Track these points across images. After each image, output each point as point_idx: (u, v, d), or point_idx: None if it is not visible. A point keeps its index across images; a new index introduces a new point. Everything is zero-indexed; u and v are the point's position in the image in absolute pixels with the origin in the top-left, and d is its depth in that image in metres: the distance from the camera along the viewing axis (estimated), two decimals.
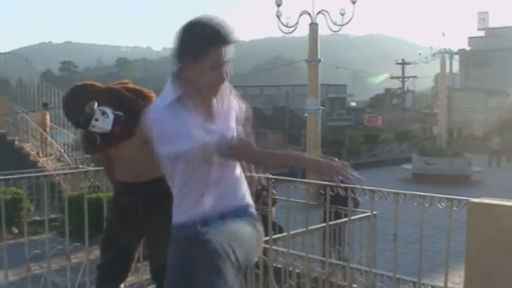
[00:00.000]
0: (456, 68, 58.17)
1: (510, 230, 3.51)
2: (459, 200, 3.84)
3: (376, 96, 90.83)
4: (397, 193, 4.25)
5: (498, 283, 3.58)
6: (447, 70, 47.85)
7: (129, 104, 4.10)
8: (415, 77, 69.78)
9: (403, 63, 66.04)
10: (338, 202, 7.51)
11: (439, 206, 3.95)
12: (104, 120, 3.99)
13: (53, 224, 10.41)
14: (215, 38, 2.80)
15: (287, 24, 23.62)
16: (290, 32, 24.20)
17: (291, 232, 6.11)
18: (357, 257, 7.38)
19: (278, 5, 22.42)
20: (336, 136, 53.99)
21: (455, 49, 51.43)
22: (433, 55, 40.61)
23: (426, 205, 4.04)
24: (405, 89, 70.93)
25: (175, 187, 3.09)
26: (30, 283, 5.51)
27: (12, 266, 5.54)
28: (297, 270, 6.10)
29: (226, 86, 2.97)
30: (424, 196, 4.07)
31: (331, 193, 4.90)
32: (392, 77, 70.44)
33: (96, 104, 3.94)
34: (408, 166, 33.34)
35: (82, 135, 4.27)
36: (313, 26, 23.54)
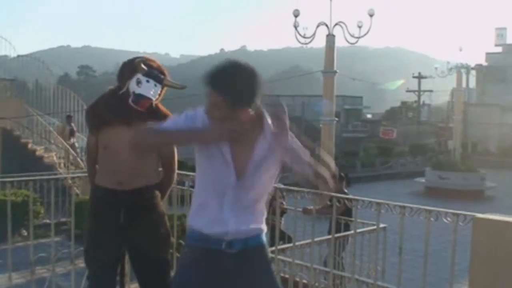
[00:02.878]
0: (472, 83, 57.97)
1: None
2: (465, 216, 3.81)
3: (392, 109, 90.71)
4: (404, 207, 4.23)
5: None
6: (464, 85, 47.65)
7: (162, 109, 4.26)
8: (431, 91, 69.64)
9: (420, 77, 65.94)
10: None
11: (445, 221, 3.93)
12: (154, 90, 4.13)
13: (63, 228, 10.40)
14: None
15: (304, 35, 23.61)
16: (307, 43, 24.16)
17: (298, 243, 6.10)
18: (366, 269, 7.35)
19: (296, 16, 22.40)
20: (350, 148, 53.93)
21: (472, 64, 51.23)
22: (450, 69, 40.47)
23: (432, 219, 4.01)
24: (421, 102, 70.80)
25: None
26: (34, 286, 5.50)
27: (19, 268, 5.56)
28: (304, 281, 6.02)
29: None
30: (430, 211, 4.05)
31: (338, 204, 4.87)
32: (408, 91, 70.33)
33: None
34: (422, 180, 33.23)
35: (110, 99, 4.28)
36: (330, 38, 23.51)
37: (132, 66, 4.12)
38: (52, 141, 22.54)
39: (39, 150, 21.90)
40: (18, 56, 27.03)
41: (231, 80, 2.95)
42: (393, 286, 5.36)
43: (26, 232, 12.39)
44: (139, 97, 4.07)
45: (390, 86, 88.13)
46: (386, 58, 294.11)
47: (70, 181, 14.27)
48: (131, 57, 4.35)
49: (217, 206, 3.09)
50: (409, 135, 63.24)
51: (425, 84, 67.96)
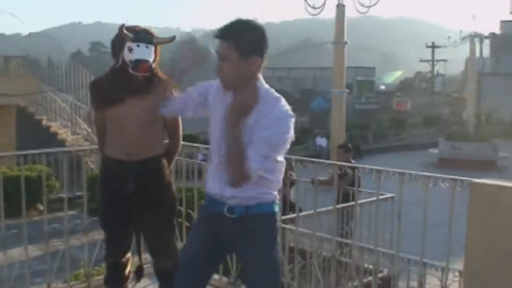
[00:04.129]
0: (486, 52, 57.42)
1: (509, 210, 3.59)
2: (462, 181, 3.92)
3: (406, 80, 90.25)
4: (402, 173, 4.35)
5: (497, 260, 3.68)
6: (477, 54, 47.33)
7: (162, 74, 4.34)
8: (445, 60, 69.10)
9: (433, 47, 65.45)
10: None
11: (443, 186, 4.04)
12: (147, 51, 4.24)
13: (78, 202, 10.57)
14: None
15: (314, 5, 23.48)
16: (317, 14, 24.06)
17: (304, 213, 6.20)
18: (373, 239, 7.46)
19: None
20: (363, 120, 53.84)
21: (486, 32, 50.71)
22: (463, 39, 40.20)
23: (430, 185, 4.13)
24: (435, 73, 70.33)
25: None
26: (49, 258, 5.65)
27: (36, 241, 5.69)
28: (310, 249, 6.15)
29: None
30: (428, 176, 4.16)
31: (339, 172, 5.01)
32: (421, 61, 69.81)
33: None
34: (435, 151, 33.24)
35: (111, 72, 4.43)
36: (340, 8, 23.42)
37: (120, 38, 4.23)
38: (66, 117, 22.73)
39: (54, 127, 22.11)
40: (30, 33, 27.22)
41: (240, 27, 3.12)
42: (389, 251, 5.52)
43: (42, 207, 12.63)
44: (136, 62, 4.16)
45: (387, 79, 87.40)
46: (399, 28, 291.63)
47: (83, 155, 14.45)
48: None
49: (218, 171, 3.26)
50: (423, 106, 62.93)
51: (439, 54, 67.38)
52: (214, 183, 3.30)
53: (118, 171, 4.39)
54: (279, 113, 3.19)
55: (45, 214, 5.83)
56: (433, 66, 68.15)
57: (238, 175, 3.07)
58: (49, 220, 5.95)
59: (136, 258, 5.09)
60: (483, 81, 49.84)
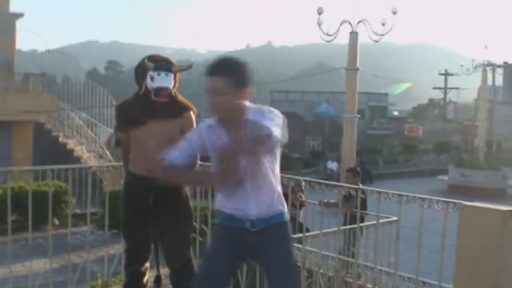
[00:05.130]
0: (499, 81, 57.69)
1: (494, 230, 3.97)
2: (454, 203, 4.29)
3: (419, 106, 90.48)
4: (401, 195, 4.73)
5: (483, 277, 4.04)
6: (490, 83, 47.57)
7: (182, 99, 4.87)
8: (457, 88, 69.32)
9: (446, 74, 65.73)
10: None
11: (437, 207, 4.40)
12: (167, 79, 4.68)
13: (93, 218, 10.89)
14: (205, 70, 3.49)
15: (328, 32, 23.86)
16: (330, 40, 24.43)
17: (311, 233, 6.47)
18: (379, 260, 7.72)
19: (319, 13, 22.68)
20: (375, 145, 54.12)
21: (498, 62, 50.97)
22: (475, 67, 40.38)
23: (425, 206, 4.50)
24: (448, 100, 70.54)
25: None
26: (69, 270, 5.99)
27: (52, 255, 5.98)
28: (316, 269, 6.41)
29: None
30: (423, 199, 4.54)
31: (343, 193, 5.35)
32: (434, 88, 70.05)
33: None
34: (444, 178, 33.47)
35: (134, 98, 4.89)
36: (353, 35, 23.76)
37: (142, 67, 4.72)
38: (82, 134, 23.10)
39: (70, 144, 22.50)
40: (47, 50, 27.56)
41: (232, 63, 3.48)
42: (389, 269, 5.80)
43: (58, 222, 12.95)
44: (158, 90, 4.64)
45: (394, 90, 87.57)
46: (413, 54, 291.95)
47: (99, 173, 14.78)
48: (158, 52, 4.95)
49: (237, 194, 3.60)
50: (435, 133, 63.16)
51: (453, 81, 67.66)
52: (235, 203, 3.63)
53: (139, 186, 4.83)
54: (267, 111, 3.51)
55: (69, 228, 6.17)
56: (445, 93, 68.41)
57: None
58: (65, 235, 6.31)
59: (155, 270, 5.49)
60: (495, 110, 50.04)
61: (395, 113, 79.89)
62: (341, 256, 6.09)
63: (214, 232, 3.89)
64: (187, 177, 3.61)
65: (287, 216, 3.78)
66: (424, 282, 5.47)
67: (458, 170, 32.31)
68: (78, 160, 20.69)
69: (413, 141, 57.20)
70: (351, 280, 6.93)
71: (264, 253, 3.68)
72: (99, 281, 6.53)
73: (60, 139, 22.73)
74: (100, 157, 21.63)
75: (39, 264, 6.13)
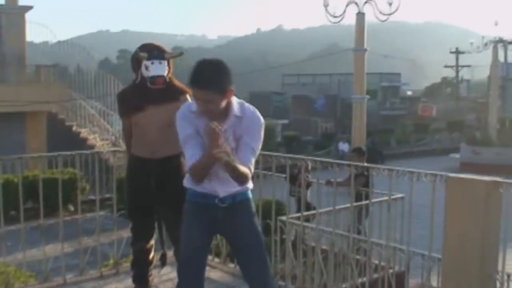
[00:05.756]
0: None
1: (479, 200, 4.18)
2: (441, 176, 4.48)
3: (432, 85, 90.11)
4: (391, 170, 4.95)
5: (469, 245, 4.25)
6: (502, 59, 47.38)
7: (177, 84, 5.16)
8: (469, 66, 68.92)
9: (457, 52, 65.38)
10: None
11: (424, 179, 4.61)
12: (161, 67, 4.96)
13: (107, 203, 11.14)
14: (189, 80, 3.73)
15: (334, 14, 23.93)
16: (338, 22, 24.51)
17: (321, 210, 6.64)
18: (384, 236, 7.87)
19: None
20: (387, 125, 54.06)
21: (509, 38, 50.60)
22: (485, 44, 40.25)
23: (414, 179, 4.70)
24: (460, 78, 70.20)
25: None
26: (82, 254, 6.26)
27: (66, 239, 6.24)
28: (324, 247, 6.61)
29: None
30: (412, 172, 4.74)
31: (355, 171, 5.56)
32: (446, 66, 69.71)
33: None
34: (456, 156, 33.48)
35: (132, 87, 5.18)
36: (360, 16, 23.83)
37: (136, 58, 5.01)
38: (95, 123, 23.40)
39: (83, 133, 22.82)
40: (58, 42, 27.80)
41: (212, 74, 3.69)
42: (401, 246, 5.96)
43: (73, 208, 13.25)
44: (153, 78, 4.94)
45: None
46: (425, 33, 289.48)
47: (111, 160, 14.99)
48: (168, 40, 5.20)
49: (211, 177, 3.94)
50: (448, 112, 62.90)
51: (466, 59, 67.19)
52: (209, 184, 3.96)
53: (142, 167, 5.11)
54: (258, 125, 3.90)
55: (79, 212, 6.44)
56: (457, 71, 68.08)
57: (242, 176, 3.76)
58: (76, 221, 6.56)
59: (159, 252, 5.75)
60: (507, 87, 49.82)
61: (408, 92, 79.47)
62: (354, 235, 6.26)
63: (187, 209, 4.18)
64: (204, 164, 3.80)
65: (250, 194, 4.11)
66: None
67: (470, 147, 32.32)
68: (91, 148, 20.93)
69: (425, 121, 57.04)
70: (359, 257, 7.11)
71: (233, 226, 4.03)
72: (111, 261, 6.79)
73: (74, 128, 23.08)
74: (114, 145, 21.93)
75: (54, 248, 6.34)
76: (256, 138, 3.87)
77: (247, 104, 3.94)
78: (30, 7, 23.01)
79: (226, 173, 3.79)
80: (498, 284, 4.32)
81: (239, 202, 4.01)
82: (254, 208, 4.15)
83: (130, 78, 5.34)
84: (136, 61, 5.03)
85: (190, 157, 3.84)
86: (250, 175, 3.83)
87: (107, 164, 8.42)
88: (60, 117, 23.27)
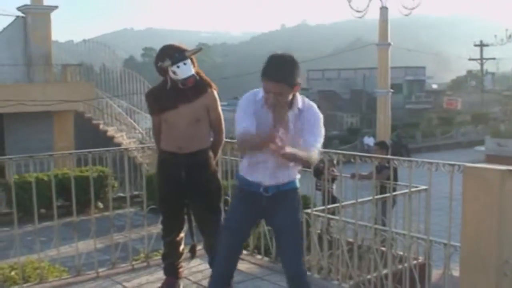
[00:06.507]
0: None
1: (494, 188, 4.34)
2: (459, 166, 4.64)
3: (457, 78, 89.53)
4: (410, 161, 5.13)
5: (485, 232, 4.42)
6: None
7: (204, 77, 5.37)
8: (493, 59, 68.42)
9: (481, 45, 64.94)
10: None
11: (443, 170, 4.76)
12: (187, 67, 5.14)
13: (135, 200, 11.34)
14: (263, 72, 3.93)
15: (358, 8, 24.04)
16: (361, 17, 24.61)
17: (346, 203, 6.79)
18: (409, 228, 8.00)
19: None
20: (413, 119, 53.94)
21: None
22: (509, 37, 40.07)
23: (433, 169, 4.86)
24: (484, 71, 69.70)
25: None
26: (113, 249, 6.47)
27: (97, 236, 6.44)
28: (349, 239, 6.70)
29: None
30: (431, 163, 4.91)
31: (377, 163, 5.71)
32: (470, 59, 69.26)
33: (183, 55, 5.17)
34: (481, 148, 33.34)
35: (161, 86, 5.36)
36: (384, 10, 23.95)
37: (161, 68, 5.19)
38: (122, 121, 23.67)
39: (110, 131, 23.09)
40: (83, 40, 28.12)
41: (286, 68, 3.93)
42: (422, 235, 6.09)
43: (102, 205, 13.48)
44: (184, 80, 5.12)
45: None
46: (450, 26, 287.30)
47: (139, 157, 15.25)
48: (193, 37, 5.38)
49: (260, 168, 4.17)
50: (473, 105, 62.58)
51: (493, 52, 66.73)
52: (257, 174, 4.19)
53: (172, 162, 5.30)
54: (317, 117, 4.12)
55: (110, 211, 6.62)
56: (482, 64, 67.59)
57: (304, 160, 3.99)
58: (109, 217, 6.71)
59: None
60: None
61: (434, 86, 79.04)
62: (377, 226, 6.41)
63: (234, 194, 4.47)
64: (253, 141, 3.97)
65: (297, 183, 4.32)
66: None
67: (495, 140, 32.16)
68: (118, 146, 21.20)
69: (450, 114, 56.82)
70: (384, 248, 7.24)
71: (275, 213, 4.25)
72: (142, 254, 7.00)
73: (101, 126, 23.35)
74: (141, 142, 22.15)
75: (85, 245, 6.52)
76: (317, 127, 4.07)
77: (306, 99, 4.16)
78: (55, 7, 23.35)
79: (275, 164, 4.08)
80: None
81: (283, 191, 4.21)
82: (298, 197, 4.36)
83: (155, 76, 5.51)
84: (161, 70, 5.22)
85: (244, 127, 4.00)
86: (315, 156, 4.01)
87: (135, 161, 8.61)
88: (87, 116, 23.56)
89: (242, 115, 4.06)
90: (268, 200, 4.19)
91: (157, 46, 5.45)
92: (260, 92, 4.06)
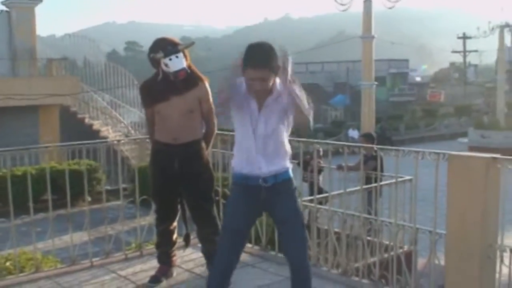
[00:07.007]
0: None
1: (478, 176, 4.51)
2: (444, 154, 4.80)
3: (440, 71, 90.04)
4: (398, 150, 5.32)
5: (470, 218, 4.59)
6: (509, 44, 47.50)
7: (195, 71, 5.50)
8: (476, 51, 68.90)
9: (464, 37, 65.36)
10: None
11: (428, 158, 4.92)
12: (179, 60, 5.26)
13: (124, 193, 11.37)
14: (247, 61, 4.02)
15: (342, 1, 24.17)
16: (345, 10, 24.76)
17: (333, 193, 6.89)
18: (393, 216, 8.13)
19: None
20: (397, 111, 54.27)
21: None
22: (491, 29, 40.36)
23: (420, 157, 5.03)
24: (467, 63, 70.18)
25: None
26: (103, 242, 6.59)
27: (87, 228, 6.54)
28: (336, 230, 6.86)
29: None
30: (417, 151, 5.08)
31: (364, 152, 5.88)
32: (453, 51, 69.71)
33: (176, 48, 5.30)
34: (464, 140, 33.70)
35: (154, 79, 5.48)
36: (367, 3, 24.10)
37: (154, 60, 5.31)
38: (107, 115, 23.69)
39: (96, 125, 23.14)
40: (65, 34, 28.08)
41: (269, 54, 4.03)
42: (408, 224, 6.24)
43: (90, 198, 13.51)
44: (175, 73, 5.25)
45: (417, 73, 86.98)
46: (433, 19, 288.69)
47: (125, 152, 15.31)
48: (176, 30, 5.50)
49: (252, 153, 4.24)
50: (456, 97, 63.06)
51: (475, 44, 67.12)
52: (249, 165, 4.25)
53: (166, 152, 5.43)
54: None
55: (104, 202, 6.78)
56: (464, 56, 68.04)
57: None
58: (98, 210, 6.97)
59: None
60: None
61: (417, 78, 79.52)
62: (364, 215, 6.55)
63: (232, 191, 4.49)
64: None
65: (291, 173, 4.39)
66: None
67: (478, 132, 32.53)
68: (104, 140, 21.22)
69: (434, 106, 57.23)
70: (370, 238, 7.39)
71: (275, 204, 4.31)
72: (133, 245, 7.11)
73: (86, 120, 23.39)
74: (126, 136, 22.19)
75: (77, 237, 6.60)
76: (300, 91, 4.14)
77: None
78: (39, 1, 23.34)
79: (273, 150, 4.20)
80: (498, 253, 4.63)
81: (281, 181, 4.29)
82: (294, 187, 4.44)
83: (138, 69, 5.63)
84: (154, 61, 5.33)
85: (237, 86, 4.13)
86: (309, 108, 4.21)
87: (122, 155, 8.70)
88: (72, 110, 23.57)
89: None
90: (267, 191, 4.24)
91: (140, 40, 5.56)
92: (242, 84, 4.15)
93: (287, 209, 4.31)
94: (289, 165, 4.38)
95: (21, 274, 6.08)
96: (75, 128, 22.43)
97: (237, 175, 4.36)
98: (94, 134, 22.03)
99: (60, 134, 22.10)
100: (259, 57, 4.02)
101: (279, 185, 4.28)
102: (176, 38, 5.60)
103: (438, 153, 4.87)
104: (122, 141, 7.99)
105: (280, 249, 4.68)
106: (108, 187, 14.12)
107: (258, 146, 4.20)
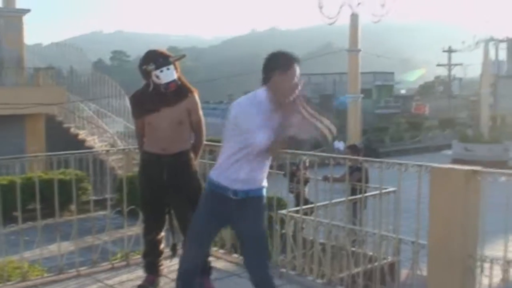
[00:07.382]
0: (503, 56, 57.76)
1: (459, 187, 4.64)
2: (426, 166, 4.92)
3: (425, 84, 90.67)
4: (381, 162, 5.43)
5: (451, 228, 4.72)
6: (494, 57, 47.91)
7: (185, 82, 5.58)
8: (460, 64, 69.46)
9: (449, 51, 65.89)
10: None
11: (411, 170, 5.04)
12: (170, 72, 5.34)
13: (109, 203, 11.36)
14: (290, 61, 4.11)
15: (329, 15, 24.37)
16: (332, 23, 24.96)
17: (319, 204, 6.98)
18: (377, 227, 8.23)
19: None
20: (382, 123, 54.54)
21: (500, 36, 51.03)
22: (476, 43, 40.72)
23: (403, 169, 5.14)
24: (452, 76, 70.73)
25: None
26: (88, 252, 6.64)
27: (69, 239, 6.59)
28: (321, 240, 6.93)
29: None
30: (400, 163, 5.19)
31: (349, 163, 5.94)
32: (438, 65, 70.25)
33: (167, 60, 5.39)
34: (449, 152, 33.99)
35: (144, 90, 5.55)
36: (354, 17, 24.33)
37: (145, 72, 5.39)
38: (94, 125, 23.66)
39: (81, 134, 23.11)
40: (53, 43, 28.06)
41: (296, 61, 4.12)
42: (390, 234, 6.33)
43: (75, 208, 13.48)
44: (166, 84, 5.34)
45: (409, 77, 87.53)
46: (418, 32, 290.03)
47: (111, 162, 15.30)
48: (163, 40, 5.57)
49: (236, 171, 4.25)
50: (442, 110, 63.46)
51: (460, 58, 67.74)
52: (227, 178, 4.26)
53: (155, 162, 5.52)
54: None
55: (91, 212, 6.84)
56: (449, 70, 68.63)
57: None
58: (83, 220, 6.97)
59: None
60: (499, 84, 50.28)
61: (402, 91, 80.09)
62: (349, 225, 6.65)
63: (203, 195, 4.56)
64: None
65: (264, 192, 4.41)
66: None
67: (462, 144, 32.82)
68: (89, 149, 21.21)
69: (419, 119, 57.60)
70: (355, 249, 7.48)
71: (241, 219, 4.35)
72: (119, 255, 7.15)
73: (72, 130, 23.36)
74: (112, 146, 22.15)
75: (63, 247, 6.54)
76: None
77: None
78: (27, 10, 23.39)
79: (258, 174, 4.27)
80: (478, 263, 4.74)
81: (251, 197, 4.30)
82: (265, 205, 4.45)
83: (124, 78, 5.69)
84: (145, 73, 5.40)
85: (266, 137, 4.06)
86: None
87: (107, 165, 8.74)
88: (58, 119, 23.54)
89: (260, 122, 4.06)
90: (236, 204, 4.27)
91: (126, 50, 5.62)
92: (257, 94, 4.15)
93: (252, 227, 4.35)
94: (265, 184, 4.40)
95: (8, 283, 6.11)
96: (60, 137, 22.38)
97: (211, 181, 4.40)
98: (80, 143, 22.08)
99: (46, 143, 22.05)
100: (292, 54, 4.13)
101: (249, 200, 4.30)
102: (163, 48, 5.69)
103: (420, 165, 4.99)
104: (110, 151, 7.96)
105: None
106: (94, 197, 14.19)
107: (246, 169, 4.22)
